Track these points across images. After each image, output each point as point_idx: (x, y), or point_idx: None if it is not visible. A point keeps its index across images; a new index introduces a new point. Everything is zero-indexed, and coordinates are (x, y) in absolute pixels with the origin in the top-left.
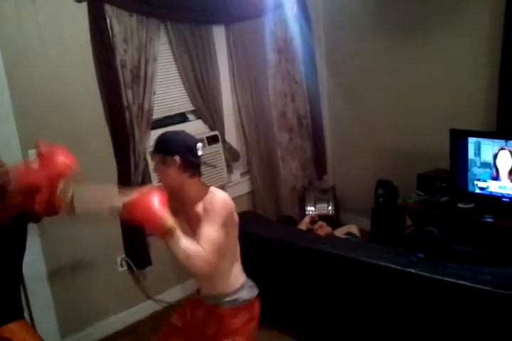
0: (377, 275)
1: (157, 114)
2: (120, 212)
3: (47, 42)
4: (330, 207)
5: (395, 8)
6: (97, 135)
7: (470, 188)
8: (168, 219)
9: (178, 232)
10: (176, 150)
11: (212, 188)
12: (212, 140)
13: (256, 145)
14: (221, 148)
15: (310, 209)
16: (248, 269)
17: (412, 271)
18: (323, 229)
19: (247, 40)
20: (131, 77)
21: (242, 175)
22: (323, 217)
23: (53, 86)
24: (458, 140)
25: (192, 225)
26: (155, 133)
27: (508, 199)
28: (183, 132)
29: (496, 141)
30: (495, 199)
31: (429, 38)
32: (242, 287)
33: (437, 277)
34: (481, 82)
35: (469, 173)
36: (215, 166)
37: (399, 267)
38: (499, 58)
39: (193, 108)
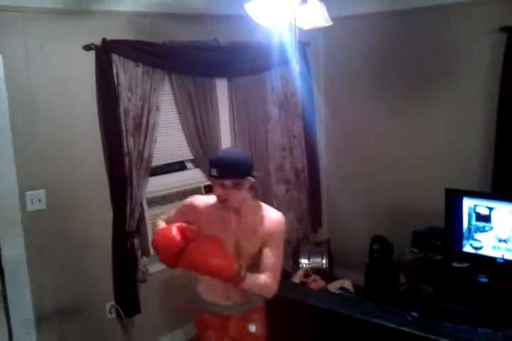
0: (371, 333)
1: (156, 161)
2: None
3: (53, 87)
4: (324, 261)
5: (393, 67)
6: (94, 180)
7: (464, 247)
8: (235, 263)
9: (243, 272)
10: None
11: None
12: (210, 189)
13: (253, 196)
14: None
15: (304, 262)
16: None
17: (406, 329)
18: (316, 283)
19: (249, 93)
20: (134, 124)
21: None
22: (316, 271)
23: (56, 131)
24: (453, 199)
25: (240, 233)
26: (153, 181)
27: (502, 260)
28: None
29: (490, 201)
30: (489, 260)
31: (426, 99)
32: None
33: (432, 337)
34: (477, 143)
35: (464, 232)
36: None
37: (393, 325)
38: (495, 119)
39: (192, 157)
